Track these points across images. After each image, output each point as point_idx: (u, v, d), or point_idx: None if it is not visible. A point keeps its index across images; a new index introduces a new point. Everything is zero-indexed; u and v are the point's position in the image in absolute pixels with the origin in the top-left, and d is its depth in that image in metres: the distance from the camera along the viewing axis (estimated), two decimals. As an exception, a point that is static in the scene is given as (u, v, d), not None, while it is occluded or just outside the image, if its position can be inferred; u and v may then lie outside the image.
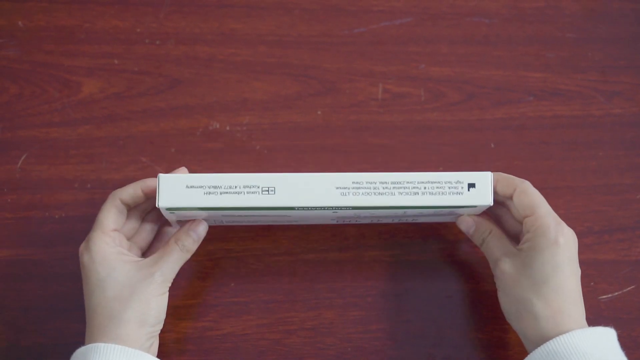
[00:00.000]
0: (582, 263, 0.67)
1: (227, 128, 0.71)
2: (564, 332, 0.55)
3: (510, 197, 0.59)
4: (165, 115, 0.72)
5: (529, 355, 0.57)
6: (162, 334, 0.61)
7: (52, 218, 0.69)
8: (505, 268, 0.59)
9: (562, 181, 0.70)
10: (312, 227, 0.68)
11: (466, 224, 0.63)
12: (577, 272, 0.58)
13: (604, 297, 0.67)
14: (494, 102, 0.72)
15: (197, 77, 0.73)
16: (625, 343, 0.65)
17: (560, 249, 0.57)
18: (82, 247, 0.60)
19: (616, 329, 0.66)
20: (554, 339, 0.55)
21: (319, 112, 0.72)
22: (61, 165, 0.70)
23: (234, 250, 0.68)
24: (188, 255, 0.61)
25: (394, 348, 0.66)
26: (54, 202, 0.69)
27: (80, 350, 0.58)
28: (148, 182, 0.60)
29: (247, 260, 0.68)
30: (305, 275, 0.67)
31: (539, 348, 0.55)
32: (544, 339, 0.55)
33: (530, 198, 0.59)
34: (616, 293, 0.67)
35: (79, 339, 0.66)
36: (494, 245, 0.61)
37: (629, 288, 0.67)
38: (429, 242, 0.68)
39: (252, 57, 0.73)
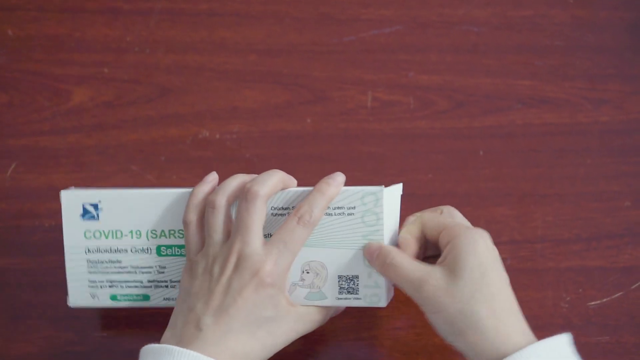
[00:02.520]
0: (571, 270, 0.68)
1: (217, 136, 0.71)
2: (516, 343, 0.52)
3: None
4: (155, 124, 0.72)
5: None
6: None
7: (42, 227, 0.69)
8: (435, 283, 0.54)
9: (550, 188, 0.70)
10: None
11: (369, 252, 0.58)
12: (504, 273, 0.56)
13: (593, 303, 0.67)
14: (483, 110, 0.72)
15: (187, 85, 0.73)
16: (613, 349, 0.66)
17: (483, 249, 0.55)
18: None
19: (604, 335, 0.66)
20: (514, 355, 0.51)
21: (309, 121, 0.72)
22: (51, 174, 0.70)
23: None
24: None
25: (385, 356, 0.66)
26: (44, 211, 0.69)
27: (153, 349, 0.56)
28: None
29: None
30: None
31: None
32: (499, 353, 0.52)
33: (435, 220, 0.59)
34: (605, 299, 0.68)
35: (69, 348, 0.67)
36: (408, 265, 0.56)
37: (617, 295, 0.68)
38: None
39: (242, 65, 0.73)
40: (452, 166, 0.71)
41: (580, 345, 0.66)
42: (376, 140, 0.71)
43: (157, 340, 0.56)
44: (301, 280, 0.59)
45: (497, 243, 0.68)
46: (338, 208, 0.58)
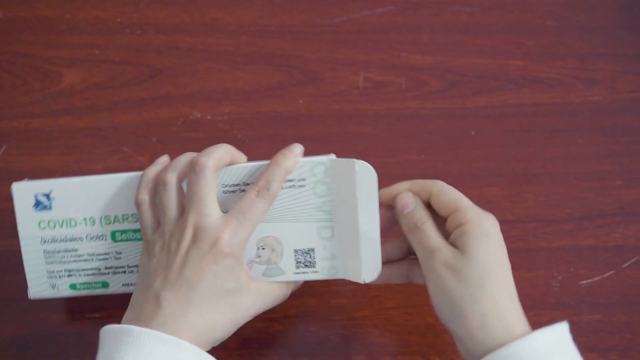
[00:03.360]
0: (562, 249, 0.68)
1: (209, 117, 0.71)
2: (514, 332, 0.52)
3: (428, 202, 0.58)
4: (146, 105, 0.71)
5: (489, 357, 0.52)
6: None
7: (33, 209, 0.69)
8: (444, 260, 0.54)
9: (542, 168, 0.70)
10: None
11: (404, 202, 0.58)
12: (509, 262, 0.56)
13: (584, 282, 0.68)
14: (475, 90, 0.72)
15: (178, 67, 0.72)
16: (605, 327, 0.66)
17: (494, 240, 0.55)
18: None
19: (596, 313, 0.67)
20: (513, 344, 0.51)
21: (301, 102, 0.72)
22: (42, 156, 0.70)
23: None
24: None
25: (377, 336, 0.66)
26: (35, 193, 0.69)
27: (112, 330, 0.54)
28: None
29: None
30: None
31: (496, 352, 0.51)
32: (495, 340, 0.52)
33: (449, 196, 0.57)
34: (596, 278, 0.68)
35: (61, 329, 0.66)
36: (431, 233, 0.56)
37: (608, 273, 0.68)
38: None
39: (233, 46, 0.73)
40: (444, 146, 0.71)
41: (572, 324, 0.66)
42: (368, 121, 0.71)
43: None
44: (257, 257, 0.58)
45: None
46: (289, 181, 0.57)
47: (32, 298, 0.62)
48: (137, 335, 0.52)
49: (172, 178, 0.57)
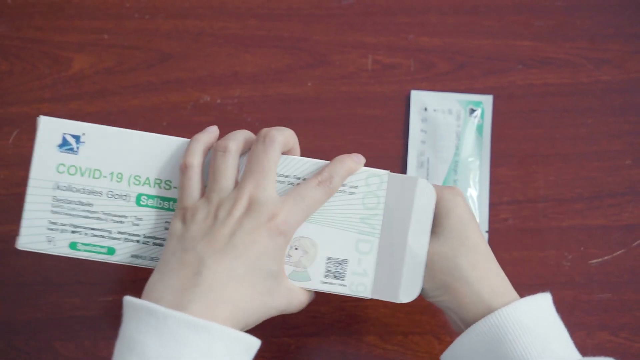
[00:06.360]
0: (573, 229, 0.68)
1: (218, 101, 0.71)
2: (502, 296, 0.53)
3: None
4: (156, 90, 0.72)
5: (474, 326, 0.53)
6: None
7: (45, 193, 0.69)
8: None
9: (552, 148, 0.70)
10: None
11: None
12: (481, 231, 0.57)
13: (595, 261, 0.68)
14: (484, 71, 0.72)
15: (187, 51, 0.73)
16: (615, 306, 0.67)
17: (460, 208, 0.55)
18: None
19: (606, 292, 0.67)
20: (497, 313, 0.52)
21: (310, 84, 0.72)
22: (53, 141, 0.70)
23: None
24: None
25: (388, 316, 0.66)
26: (46, 178, 0.69)
27: (134, 305, 0.50)
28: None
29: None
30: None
31: (483, 320, 0.52)
32: (486, 304, 0.53)
33: None
34: (606, 257, 0.68)
35: (75, 312, 0.67)
36: None
37: (619, 252, 0.68)
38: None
39: (242, 30, 0.73)
40: (454, 128, 0.71)
41: (582, 303, 0.67)
42: (377, 103, 0.71)
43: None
44: (288, 257, 0.55)
45: (499, 203, 0.68)
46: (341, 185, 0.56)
47: (19, 248, 0.56)
48: (162, 318, 0.48)
49: (234, 146, 0.54)
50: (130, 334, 0.49)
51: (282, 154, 0.55)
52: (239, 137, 0.54)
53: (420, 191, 0.55)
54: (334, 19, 0.73)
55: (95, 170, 0.56)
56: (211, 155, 0.54)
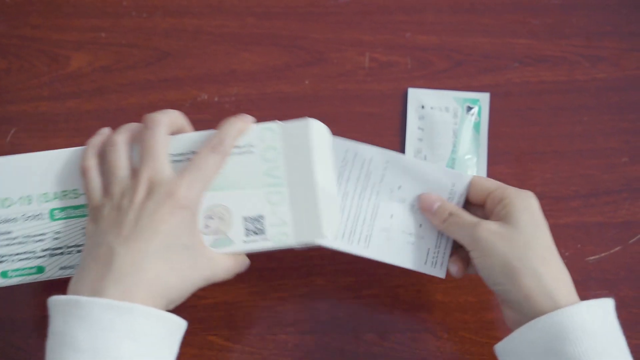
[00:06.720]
0: (569, 226, 0.68)
1: (216, 99, 0.72)
2: (567, 295, 0.54)
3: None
4: (154, 88, 0.72)
5: (538, 319, 0.53)
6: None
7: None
8: (490, 227, 0.56)
9: (548, 146, 0.70)
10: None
11: (430, 200, 0.60)
12: (551, 234, 0.58)
13: (592, 258, 0.68)
14: (481, 69, 0.72)
15: (185, 49, 0.73)
16: (612, 303, 0.67)
17: (536, 210, 0.57)
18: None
19: (604, 289, 0.67)
20: (563, 310, 0.52)
21: (307, 82, 0.72)
22: (50, 139, 0.70)
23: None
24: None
25: (386, 313, 0.67)
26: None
27: (59, 301, 0.52)
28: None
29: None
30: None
31: (548, 315, 0.52)
32: (552, 300, 0.53)
33: (484, 181, 0.60)
34: (603, 254, 0.68)
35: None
36: (466, 214, 0.59)
37: (615, 249, 0.68)
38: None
39: (240, 28, 0.73)
40: (451, 125, 0.71)
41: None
42: (374, 101, 0.72)
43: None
44: (206, 227, 0.56)
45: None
46: (237, 147, 0.57)
47: None
48: (86, 306, 0.49)
49: (120, 138, 0.56)
50: (59, 329, 0.50)
51: (174, 134, 0.57)
52: (126, 129, 0.57)
53: (313, 131, 0.57)
54: (332, 17, 0.74)
55: (4, 199, 0.58)
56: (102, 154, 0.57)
